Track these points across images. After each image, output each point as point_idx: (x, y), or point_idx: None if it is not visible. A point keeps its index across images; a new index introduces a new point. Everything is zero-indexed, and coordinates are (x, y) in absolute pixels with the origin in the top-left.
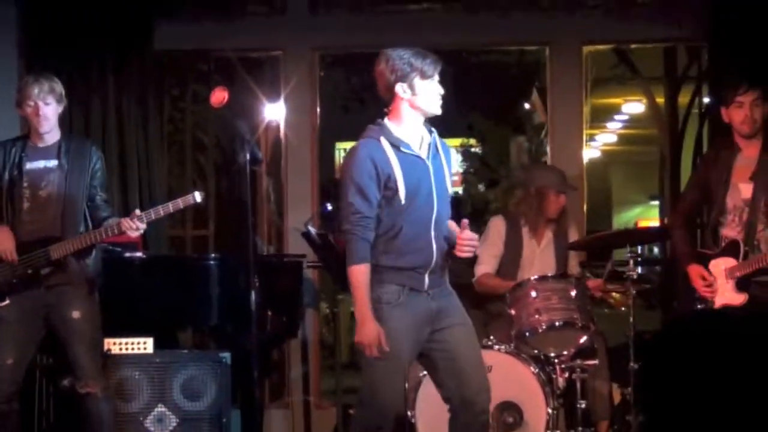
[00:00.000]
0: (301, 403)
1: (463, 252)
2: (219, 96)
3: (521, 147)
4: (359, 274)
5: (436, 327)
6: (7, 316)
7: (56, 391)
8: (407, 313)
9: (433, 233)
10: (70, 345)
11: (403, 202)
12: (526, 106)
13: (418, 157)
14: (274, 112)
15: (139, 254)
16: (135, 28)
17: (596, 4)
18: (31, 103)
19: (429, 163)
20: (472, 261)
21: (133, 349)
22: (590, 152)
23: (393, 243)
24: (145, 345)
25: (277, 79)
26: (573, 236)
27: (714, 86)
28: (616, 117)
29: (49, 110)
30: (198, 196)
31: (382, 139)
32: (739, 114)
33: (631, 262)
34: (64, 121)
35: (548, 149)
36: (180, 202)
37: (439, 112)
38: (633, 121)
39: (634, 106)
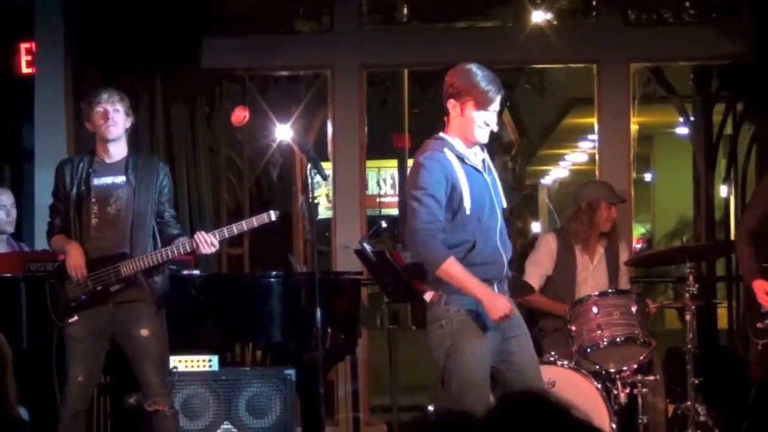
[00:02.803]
0: (351, 420)
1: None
2: (240, 115)
3: (505, 167)
4: (451, 267)
5: (506, 336)
6: (76, 333)
7: (116, 409)
8: (483, 324)
9: (499, 243)
10: (138, 363)
11: (468, 212)
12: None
13: (479, 170)
14: (285, 132)
15: (197, 272)
16: (183, 45)
17: (644, 23)
18: (101, 109)
19: (486, 176)
20: None
21: (198, 366)
22: (559, 171)
23: (468, 257)
24: (210, 362)
25: (289, 99)
26: (624, 252)
27: (758, 104)
28: (590, 136)
29: (117, 117)
30: (273, 215)
31: (446, 151)
32: None
33: (691, 278)
34: None
35: (596, 167)
36: (254, 221)
37: (482, 141)
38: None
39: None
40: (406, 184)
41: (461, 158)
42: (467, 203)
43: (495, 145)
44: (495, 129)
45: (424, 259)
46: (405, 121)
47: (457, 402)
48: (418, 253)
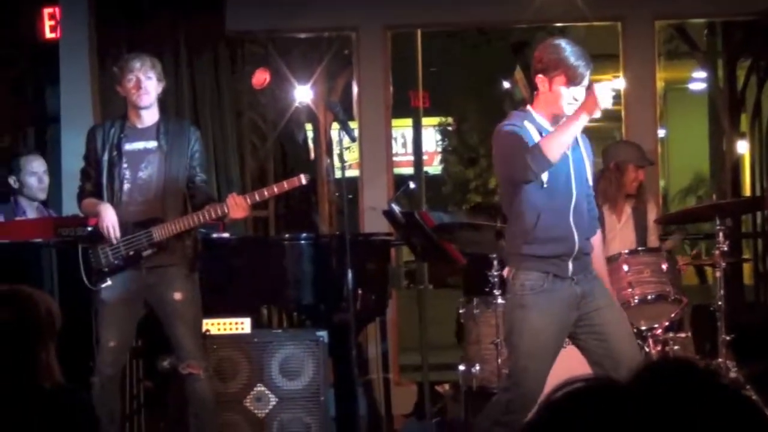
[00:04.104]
0: (381, 380)
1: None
2: (260, 77)
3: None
4: (548, 136)
5: (584, 311)
6: (109, 298)
7: (149, 373)
8: (552, 299)
9: (572, 221)
10: (172, 326)
11: (545, 185)
12: (506, 84)
13: None
14: (305, 94)
15: (227, 235)
16: (207, 8)
17: None
18: (132, 77)
19: (569, 152)
20: None
21: (230, 329)
22: None
23: (533, 233)
24: (242, 325)
25: (309, 61)
26: (652, 211)
27: None
28: None
29: (149, 84)
30: (304, 179)
31: (526, 123)
32: None
33: (721, 235)
34: None
35: (623, 125)
36: (285, 184)
37: (569, 113)
38: (620, 97)
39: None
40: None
41: (541, 132)
42: (544, 176)
43: (506, 103)
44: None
45: (537, 155)
46: (419, 79)
47: (517, 375)
48: (531, 165)
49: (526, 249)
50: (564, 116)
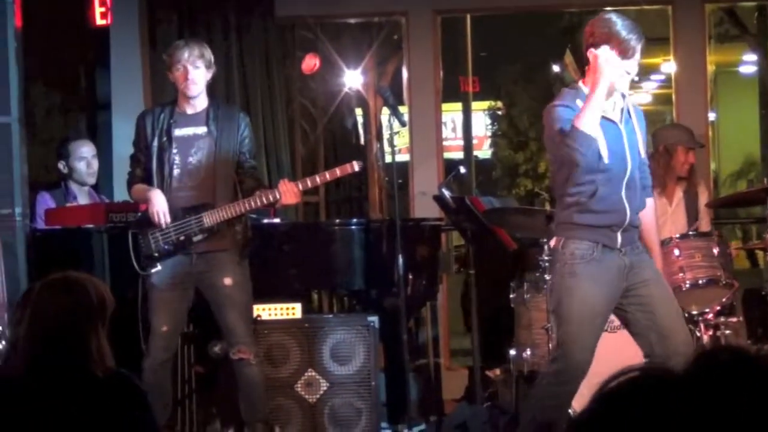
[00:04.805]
0: (432, 365)
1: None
2: (310, 63)
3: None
4: (577, 118)
5: (631, 283)
6: (160, 284)
7: (200, 358)
8: (600, 268)
9: (624, 193)
10: (223, 312)
11: (604, 159)
12: (555, 68)
13: (611, 120)
14: (355, 80)
15: (277, 221)
16: None
17: None
18: (180, 67)
19: (622, 126)
20: None
21: (281, 314)
22: None
23: (588, 203)
24: (293, 310)
25: (359, 46)
26: (703, 194)
27: None
28: (653, 77)
29: (197, 74)
30: (356, 165)
31: (578, 102)
32: None
33: None
34: None
35: (673, 109)
36: (338, 171)
37: (623, 89)
38: (670, 81)
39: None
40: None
41: None
42: (604, 153)
43: (556, 87)
44: (635, 78)
45: (578, 135)
46: (469, 64)
47: (566, 345)
48: (571, 146)
49: (578, 218)
50: (615, 90)
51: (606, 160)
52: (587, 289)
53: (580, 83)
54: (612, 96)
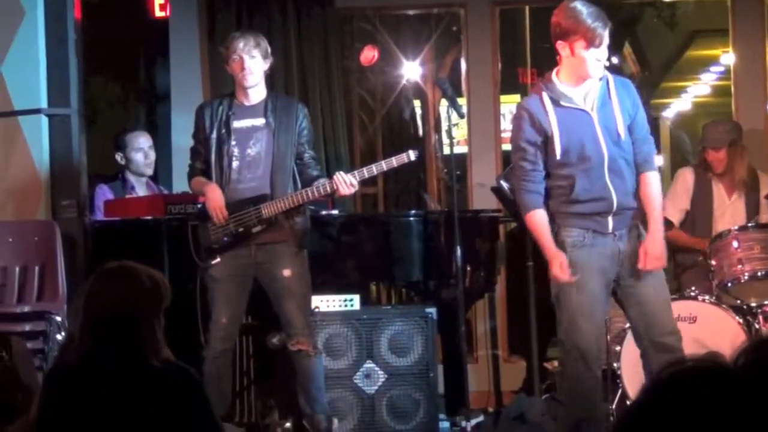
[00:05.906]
0: (490, 357)
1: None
2: (368, 55)
3: None
4: (532, 221)
5: (626, 267)
6: (219, 275)
7: (259, 349)
8: (592, 253)
9: (608, 179)
10: (282, 303)
11: (558, 157)
12: (614, 60)
13: (581, 110)
14: (413, 71)
15: (335, 212)
16: None
17: None
18: (236, 57)
19: (594, 114)
20: None
21: (339, 306)
22: (681, 104)
23: (571, 194)
24: (351, 302)
25: (417, 37)
26: (764, 187)
27: None
28: (712, 68)
29: (254, 64)
30: (412, 155)
31: (544, 95)
32: None
33: None
34: None
35: (732, 103)
36: (394, 161)
37: (596, 77)
38: (729, 73)
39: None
40: None
41: (557, 101)
42: (557, 148)
43: None
44: (606, 63)
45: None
46: (527, 56)
47: (568, 335)
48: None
49: (566, 208)
50: (590, 78)
51: (558, 156)
52: (580, 276)
53: (553, 76)
54: (584, 84)
